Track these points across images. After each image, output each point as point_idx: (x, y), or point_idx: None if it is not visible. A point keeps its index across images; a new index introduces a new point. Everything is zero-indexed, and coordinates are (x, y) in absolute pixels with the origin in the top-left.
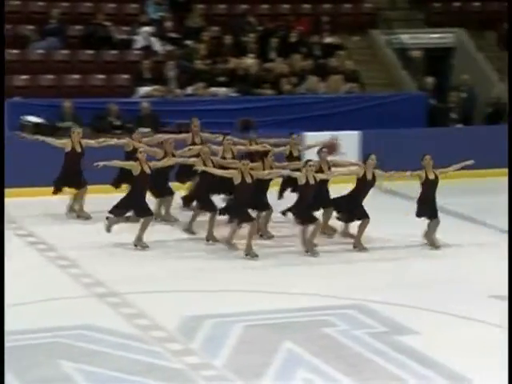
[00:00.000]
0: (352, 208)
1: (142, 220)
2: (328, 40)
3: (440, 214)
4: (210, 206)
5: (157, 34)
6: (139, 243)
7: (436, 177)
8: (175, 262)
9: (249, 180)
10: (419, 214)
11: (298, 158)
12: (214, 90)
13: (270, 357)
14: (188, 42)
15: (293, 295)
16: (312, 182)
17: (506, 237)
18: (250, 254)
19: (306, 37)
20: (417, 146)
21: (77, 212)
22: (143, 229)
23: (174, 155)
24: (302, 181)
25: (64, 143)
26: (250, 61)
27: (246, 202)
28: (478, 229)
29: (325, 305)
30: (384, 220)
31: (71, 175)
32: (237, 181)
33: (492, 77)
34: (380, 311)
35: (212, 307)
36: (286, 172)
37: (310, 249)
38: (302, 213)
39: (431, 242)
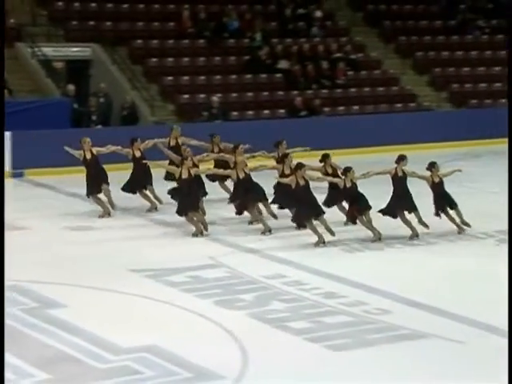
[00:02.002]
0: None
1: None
2: None
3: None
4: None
5: None
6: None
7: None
8: None
9: (302, 182)
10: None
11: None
12: None
13: None
14: None
15: None
16: (348, 184)
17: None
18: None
19: None
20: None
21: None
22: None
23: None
24: (341, 185)
25: (79, 153)
26: None
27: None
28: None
29: None
30: None
31: (92, 181)
32: (293, 185)
33: (124, 85)
34: (32, 289)
35: None
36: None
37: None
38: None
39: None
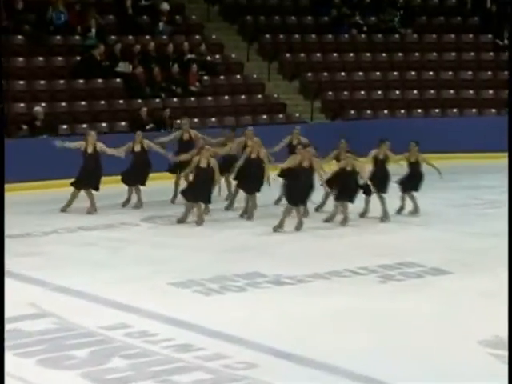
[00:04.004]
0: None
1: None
2: None
3: None
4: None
5: None
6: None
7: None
8: None
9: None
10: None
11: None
12: None
13: None
14: None
15: None
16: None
17: None
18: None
19: None
20: None
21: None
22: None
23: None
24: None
25: (78, 144)
26: None
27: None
28: None
29: None
30: None
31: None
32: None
33: None
34: None
35: None
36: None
37: None
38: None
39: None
